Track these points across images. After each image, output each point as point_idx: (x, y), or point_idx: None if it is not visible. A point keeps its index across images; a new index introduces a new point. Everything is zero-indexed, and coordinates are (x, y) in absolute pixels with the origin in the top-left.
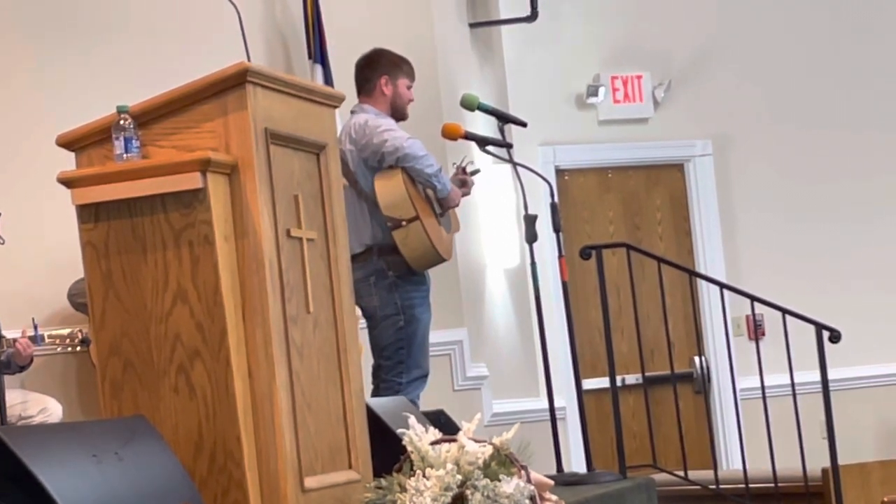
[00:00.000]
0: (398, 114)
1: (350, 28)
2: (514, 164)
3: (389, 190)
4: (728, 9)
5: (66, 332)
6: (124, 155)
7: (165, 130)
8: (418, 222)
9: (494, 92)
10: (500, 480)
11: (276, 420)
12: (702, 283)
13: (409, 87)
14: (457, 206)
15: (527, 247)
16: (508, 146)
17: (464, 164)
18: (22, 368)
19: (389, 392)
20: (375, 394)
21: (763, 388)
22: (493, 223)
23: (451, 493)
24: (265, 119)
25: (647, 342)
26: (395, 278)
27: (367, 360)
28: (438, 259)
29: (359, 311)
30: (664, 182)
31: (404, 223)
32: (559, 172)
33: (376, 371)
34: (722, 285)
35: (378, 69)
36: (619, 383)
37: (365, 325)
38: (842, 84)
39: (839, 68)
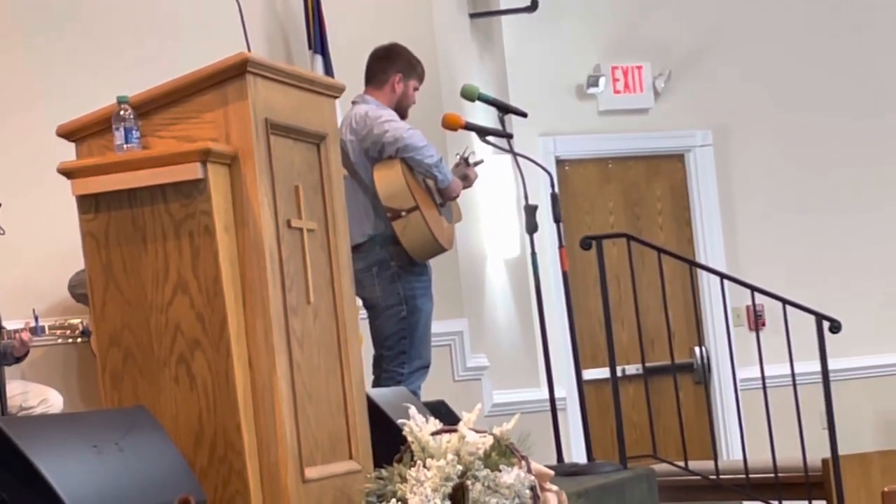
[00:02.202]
0: (399, 113)
1: (350, 18)
2: (515, 155)
3: (388, 180)
4: None
5: (67, 322)
6: (124, 145)
7: (166, 121)
8: (418, 212)
9: (494, 82)
10: (500, 471)
11: (276, 410)
12: (702, 274)
13: (415, 90)
14: (457, 196)
15: (527, 237)
16: (509, 136)
17: (466, 155)
18: (18, 360)
19: (391, 382)
20: (377, 384)
21: (763, 378)
22: (493, 214)
23: (451, 484)
24: (265, 109)
25: (647, 332)
26: (398, 269)
27: (367, 351)
28: (439, 249)
29: (360, 302)
30: (664, 172)
31: (404, 213)
32: (559, 163)
33: (378, 361)
34: (722, 275)
35: (395, 64)
36: (619, 374)
37: (365, 315)
38: (842, 74)
39: (839, 59)
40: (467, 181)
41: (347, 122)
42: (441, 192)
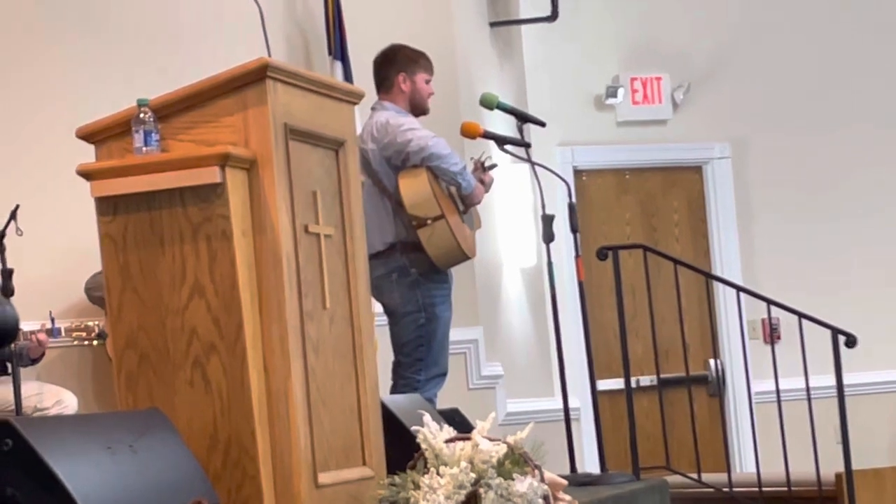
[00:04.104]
0: (418, 109)
1: (370, 25)
2: (532, 164)
3: (414, 189)
4: (748, 12)
5: (83, 325)
6: (143, 148)
7: (185, 124)
8: (443, 221)
9: (513, 91)
10: (513, 479)
11: (290, 415)
12: (718, 286)
13: (427, 82)
14: (479, 202)
15: (543, 246)
16: (527, 146)
17: (482, 160)
18: (34, 361)
19: (408, 389)
20: (394, 391)
21: (778, 391)
22: (510, 222)
23: (464, 492)
24: (284, 114)
25: (662, 344)
26: (418, 276)
27: (384, 357)
28: (463, 257)
29: (378, 308)
30: (682, 184)
31: (429, 222)
32: (577, 173)
33: (396, 368)
34: (738, 288)
35: (395, 66)
36: (633, 384)
37: (384, 321)
38: (861, 87)
39: (858, 71)
40: (483, 185)
41: (368, 129)
42: (463, 199)
